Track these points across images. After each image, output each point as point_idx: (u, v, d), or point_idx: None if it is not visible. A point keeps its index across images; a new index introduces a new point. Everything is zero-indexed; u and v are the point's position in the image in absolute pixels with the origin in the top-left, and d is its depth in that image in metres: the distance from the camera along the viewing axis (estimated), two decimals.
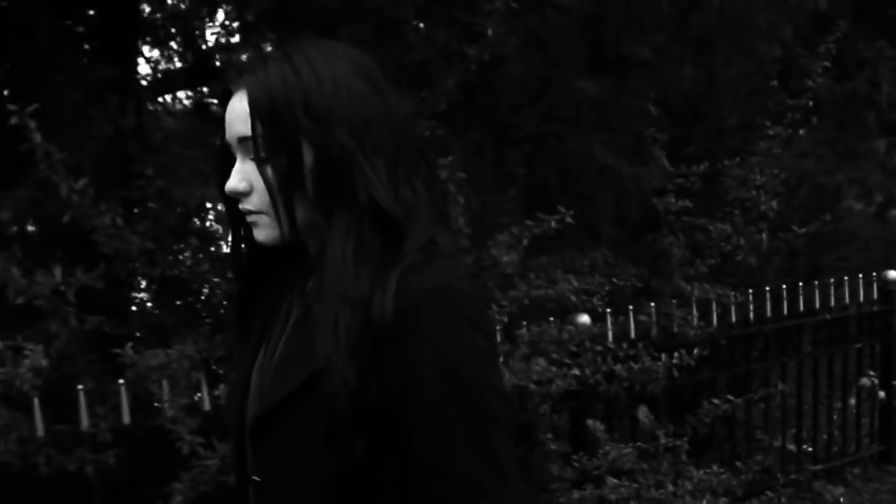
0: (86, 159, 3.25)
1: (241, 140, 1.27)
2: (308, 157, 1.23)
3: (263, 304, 1.43)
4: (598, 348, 4.01)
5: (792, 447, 5.24)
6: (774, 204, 4.92)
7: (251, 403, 1.36)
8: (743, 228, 4.81)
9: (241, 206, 1.31)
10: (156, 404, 3.07)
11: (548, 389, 3.49)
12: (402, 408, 1.18)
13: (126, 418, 3.05)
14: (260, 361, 1.38)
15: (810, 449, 5.39)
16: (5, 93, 4.02)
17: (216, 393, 3.07)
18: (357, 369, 1.17)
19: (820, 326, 5.40)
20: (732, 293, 4.86)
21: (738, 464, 4.54)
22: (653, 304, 4.51)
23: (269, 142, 1.23)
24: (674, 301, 4.60)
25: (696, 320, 4.57)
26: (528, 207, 4.10)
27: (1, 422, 2.88)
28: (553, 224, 3.58)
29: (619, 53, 4.06)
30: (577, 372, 3.61)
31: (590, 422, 3.90)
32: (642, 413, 4.28)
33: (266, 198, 1.26)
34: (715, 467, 4.23)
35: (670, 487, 4.13)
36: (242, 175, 1.28)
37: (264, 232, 1.30)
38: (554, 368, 3.55)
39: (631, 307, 4.40)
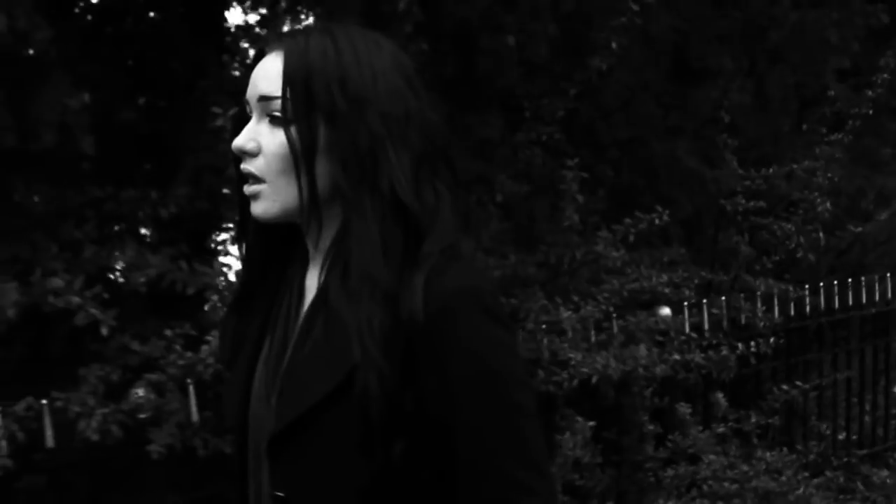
0: None
1: (263, 98, 1.24)
2: (335, 134, 1.21)
3: (262, 292, 1.37)
4: (682, 337, 4.34)
5: (842, 433, 5.60)
6: (829, 205, 5.27)
7: (256, 404, 1.31)
8: (802, 228, 5.15)
9: (243, 167, 1.26)
10: None
11: (652, 373, 3.81)
12: (438, 408, 1.17)
13: None
14: (265, 356, 1.33)
15: (855, 436, 5.76)
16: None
17: None
18: (392, 366, 1.15)
19: (866, 319, 5.77)
20: (791, 288, 5.20)
21: (798, 447, 4.89)
22: (723, 297, 4.86)
23: (297, 108, 1.21)
24: (741, 295, 4.93)
25: (762, 313, 4.91)
26: (616, 207, 4.41)
27: (171, 406, 3.12)
28: (656, 222, 3.91)
29: (703, 65, 4.37)
30: (677, 357, 3.93)
31: (680, 406, 4.22)
32: (719, 398, 4.60)
33: (273, 163, 1.23)
34: (786, 449, 4.57)
35: (744, 468, 4.47)
36: (253, 134, 1.25)
37: (262, 205, 1.26)
38: (654, 353, 3.88)
39: (705, 301, 4.73)
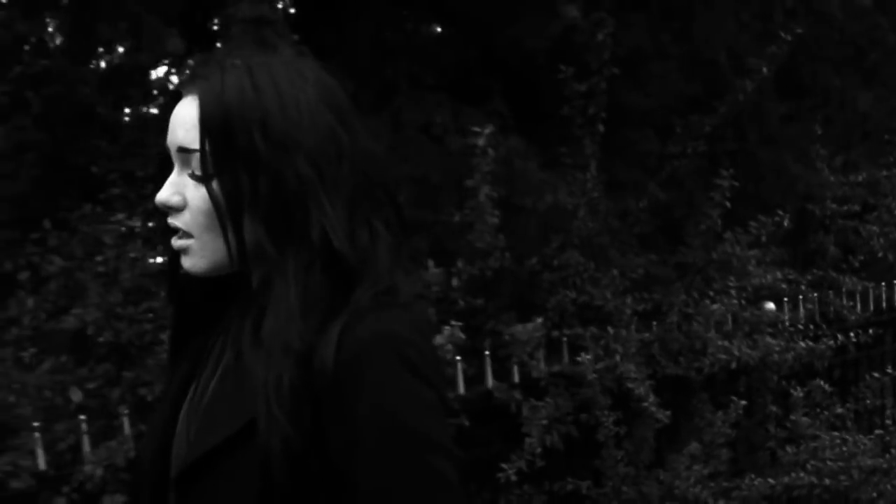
0: None
1: (182, 150, 1.17)
2: (260, 182, 1.13)
3: (195, 337, 1.32)
4: (792, 328, 4.82)
5: None
6: None
7: (177, 449, 1.26)
8: (882, 229, 5.65)
9: (169, 220, 1.20)
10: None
11: (784, 359, 4.27)
12: (344, 465, 1.09)
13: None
14: (188, 403, 1.28)
15: None
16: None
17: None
18: (298, 427, 1.08)
19: None
20: (871, 285, 5.70)
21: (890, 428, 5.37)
22: (815, 293, 5.34)
23: (217, 160, 1.14)
24: (831, 291, 5.42)
25: (851, 308, 5.40)
26: (729, 212, 4.86)
27: None
28: (784, 224, 4.38)
29: (814, 82, 4.83)
30: (804, 344, 4.39)
31: (794, 391, 4.68)
32: (818, 385, 5.07)
33: (199, 219, 1.17)
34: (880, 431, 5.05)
35: (844, 448, 4.94)
36: (176, 188, 1.19)
37: (191, 260, 1.20)
38: (782, 343, 4.34)
39: (801, 296, 5.21)
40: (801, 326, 4.88)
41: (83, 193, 3.56)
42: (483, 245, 3.53)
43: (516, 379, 3.89)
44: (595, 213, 3.81)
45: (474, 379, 3.75)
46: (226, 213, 1.14)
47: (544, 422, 3.70)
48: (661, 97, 3.97)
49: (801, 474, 4.64)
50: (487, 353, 3.75)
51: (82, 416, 2.90)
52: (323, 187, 1.13)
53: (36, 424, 2.78)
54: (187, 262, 1.21)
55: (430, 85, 3.80)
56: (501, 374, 3.81)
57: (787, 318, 4.92)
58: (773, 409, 4.54)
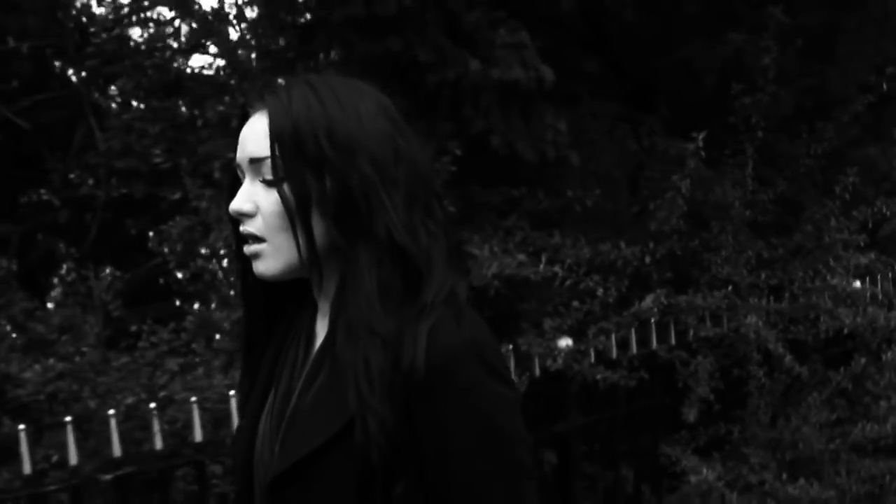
0: None
1: (253, 161, 1.25)
2: (328, 184, 1.20)
3: (270, 343, 1.39)
4: (885, 300, 5.68)
5: None
6: None
7: (261, 452, 1.32)
8: None
9: (242, 229, 1.27)
10: None
11: (887, 326, 5.12)
12: (436, 463, 1.17)
13: None
14: (270, 407, 1.33)
15: None
16: None
17: None
18: (393, 413, 1.15)
19: None
20: None
21: None
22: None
23: (287, 165, 1.21)
24: None
25: None
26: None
27: None
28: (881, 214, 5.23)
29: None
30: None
31: (884, 354, 5.55)
32: None
33: (271, 221, 1.24)
34: None
35: None
36: (249, 196, 1.25)
37: (264, 263, 1.26)
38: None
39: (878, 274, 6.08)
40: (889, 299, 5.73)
41: None
42: (667, 228, 4.33)
43: (673, 341, 4.70)
44: (750, 205, 4.62)
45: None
46: (296, 212, 1.21)
47: (706, 376, 4.52)
48: (786, 108, 4.76)
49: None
50: (654, 319, 4.54)
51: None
52: (384, 187, 1.20)
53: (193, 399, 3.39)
54: (261, 266, 1.26)
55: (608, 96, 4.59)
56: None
57: (879, 291, 5.77)
58: (872, 368, 5.38)
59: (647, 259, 4.32)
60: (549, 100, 4.05)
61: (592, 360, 4.36)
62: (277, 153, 1.21)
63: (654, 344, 4.64)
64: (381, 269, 1.19)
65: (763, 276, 4.93)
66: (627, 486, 4.75)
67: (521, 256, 3.98)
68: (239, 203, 1.26)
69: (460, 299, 1.22)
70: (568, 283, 4.06)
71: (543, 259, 4.14)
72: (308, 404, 1.25)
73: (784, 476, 4.58)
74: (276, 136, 1.22)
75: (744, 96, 4.37)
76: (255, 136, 1.24)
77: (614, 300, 4.33)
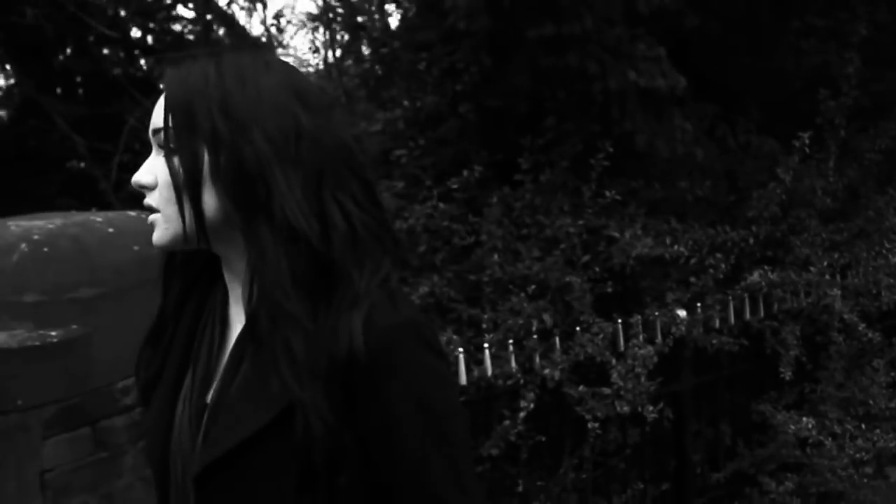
0: None
1: (155, 132, 1.23)
2: (221, 157, 1.18)
3: (180, 323, 1.36)
4: None
5: None
6: None
7: (179, 442, 1.27)
8: None
9: (144, 202, 1.26)
10: None
11: None
12: (380, 444, 1.18)
13: None
14: (187, 392, 1.29)
15: None
16: None
17: None
18: (329, 403, 1.14)
19: None
20: None
21: None
22: None
23: (178, 136, 1.19)
24: None
25: None
26: None
27: None
28: None
29: None
30: None
31: None
32: None
33: (165, 193, 1.22)
34: None
35: None
36: (149, 168, 1.24)
37: (156, 233, 1.25)
38: None
39: None
40: None
41: None
42: (766, 214, 5.03)
43: (762, 313, 5.39)
44: (831, 194, 5.33)
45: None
46: (183, 184, 1.18)
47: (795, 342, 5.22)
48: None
49: None
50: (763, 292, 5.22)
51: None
52: (280, 164, 1.16)
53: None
54: (154, 236, 1.25)
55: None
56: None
57: None
58: None
59: (751, 240, 5.00)
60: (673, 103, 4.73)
61: (701, 329, 5.05)
62: (170, 124, 1.20)
63: (748, 315, 5.34)
64: (287, 254, 1.16)
65: (836, 255, 5.64)
66: (726, 439, 5.43)
67: (648, 240, 4.65)
68: (139, 175, 1.25)
69: (393, 281, 1.20)
70: (693, 261, 4.73)
71: (668, 241, 4.81)
72: (234, 392, 1.22)
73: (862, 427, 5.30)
74: (169, 106, 1.20)
75: (829, 100, 5.08)
76: (158, 108, 1.23)
77: (724, 276, 5.01)
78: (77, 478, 2.90)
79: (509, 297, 4.42)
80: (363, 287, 1.16)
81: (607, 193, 4.53)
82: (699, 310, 5.03)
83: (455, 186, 4.58)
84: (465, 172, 4.56)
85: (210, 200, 1.20)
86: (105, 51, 8.67)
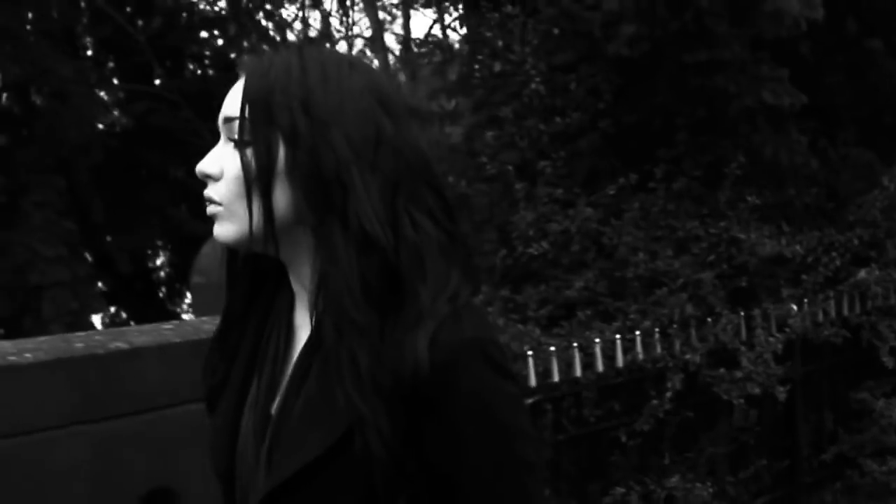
0: None
1: (226, 121, 1.18)
2: (298, 154, 1.13)
3: (247, 329, 1.30)
4: None
5: None
6: None
7: (244, 453, 1.24)
8: None
9: (205, 193, 1.20)
10: None
11: None
12: (444, 464, 1.13)
13: None
14: (252, 401, 1.25)
15: None
16: None
17: None
18: (391, 423, 1.10)
19: None
20: None
21: None
22: None
23: (255, 128, 1.14)
24: None
25: None
26: None
27: None
28: None
29: None
30: None
31: None
32: None
33: (232, 187, 1.16)
34: None
35: None
36: (215, 158, 1.19)
37: (222, 227, 1.19)
38: None
39: None
40: None
41: None
42: (869, 218, 5.59)
43: (857, 309, 5.93)
44: None
45: None
46: (254, 178, 1.13)
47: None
48: None
49: None
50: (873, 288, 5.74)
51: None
52: (359, 169, 1.12)
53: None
54: (217, 230, 1.20)
55: None
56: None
57: None
58: None
59: (856, 241, 5.55)
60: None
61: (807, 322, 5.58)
62: (246, 115, 1.15)
63: (846, 311, 5.87)
64: (360, 261, 1.11)
65: None
66: (829, 423, 5.95)
67: (773, 241, 5.20)
68: (204, 164, 1.20)
69: (462, 298, 1.15)
70: (810, 260, 5.28)
71: (783, 242, 5.36)
72: (298, 411, 1.18)
73: None
74: (247, 96, 1.16)
75: None
76: (232, 96, 1.19)
77: (831, 274, 5.56)
78: None
79: (653, 291, 4.96)
80: (428, 304, 1.11)
81: (748, 199, 5.08)
82: (806, 305, 5.58)
83: (612, 192, 5.14)
84: (621, 180, 5.13)
85: (281, 198, 1.15)
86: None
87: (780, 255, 5.22)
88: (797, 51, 5.45)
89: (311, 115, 1.13)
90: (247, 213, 1.15)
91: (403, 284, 1.12)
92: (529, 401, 4.42)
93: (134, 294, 10.07)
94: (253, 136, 1.14)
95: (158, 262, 11.20)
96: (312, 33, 12.97)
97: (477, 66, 5.60)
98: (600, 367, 4.62)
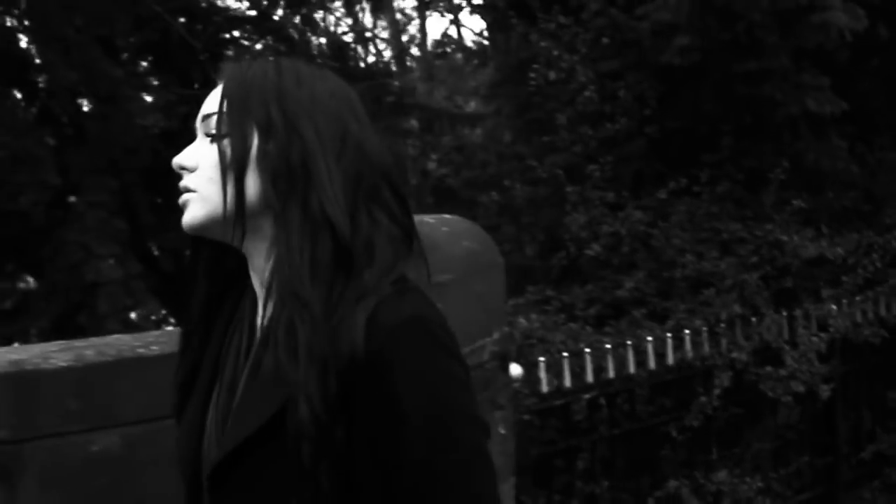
0: None
1: (205, 118, 1.26)
2: (270, 145, 1.21)
3: (211, 333, 1.34)
4: None
5: None
6: None
7: (208, 449, 1.27)
8: None
9: (180, 184, 1.27)
10: None
11: None
12: (384, 444, 1.14)
13: None
14: (215, 400, 1.29)
15: None
16: None
17: None
18: (322, 391, 1.11)
19: None
20: None
21: None
22: None
23: (232, 120, 1.22)
24: None
25: None
26: None
27: None
28: None
29: None
30: None
31: None
32: None
33: (208, 174, 1.23)
34: None
35: None
36: (192, 152, 1.27)
37: (189, 212, 1.25)
38: None
39: None
40: None
41: None
42: None
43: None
44: None
45: None
46: (230, 164, 1.20)
47: None
48: None
49: None
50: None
51: None
52: (324, 158, 1.19)
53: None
54: (186, 217, 1.26)
55: None
56: None
57: None
58: None
59: (894, 243, 5.71)
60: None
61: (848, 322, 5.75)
62: (224, 109, 1.23)
63: (883, 311, 6.03)
64: (313, 240, 1.16)
65: None
66: (867, 422, 6.11)
67: (817, 243, 5.37)
68: (180, 157, 1.27)
69: (408, 283, 1.19)
70: (851, 261, 5.44)
71: (824, 243, 5.53)
72: (251, 391, 1.22)
73: None
74: (226, 93, 1.24)
75: None
76: (211, 97, 1.27)
77: (870, 276, 5.72)
78: None
79: (700, 291, 5.13)
80: (371, 283, 1.15)
81: (794, 202, 5.25)
82: (845, 305, 5.74)
83: (663, 197, 5.33)
84: (672, 184, 5.31)
85: (252, 184, 1.21)
86: None
87: (820, 256, 5.38)
88: (834, 58, 5.62)
89: (284, 110, 1.22)
90: (220, 197, 1.21)
91: (352, 267, 1.16)
92: (586, 396, 4.62)
93: (173, 292, 10.29)
94: (230, 127, 1.22)
95: None
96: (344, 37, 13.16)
97: (532, 74, 5.79)
98: (652, 364, 4.81)
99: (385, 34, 15.83)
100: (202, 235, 1.28)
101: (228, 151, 1.21)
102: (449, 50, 16.63)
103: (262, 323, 1.25)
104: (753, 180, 5.44)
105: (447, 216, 4.27)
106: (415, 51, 15.76)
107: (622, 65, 5.59)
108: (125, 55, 9.72)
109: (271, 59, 1.29)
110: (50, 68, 7.85)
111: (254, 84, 1.23)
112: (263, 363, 1.20)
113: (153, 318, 9.64)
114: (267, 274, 1.20)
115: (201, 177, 1.24)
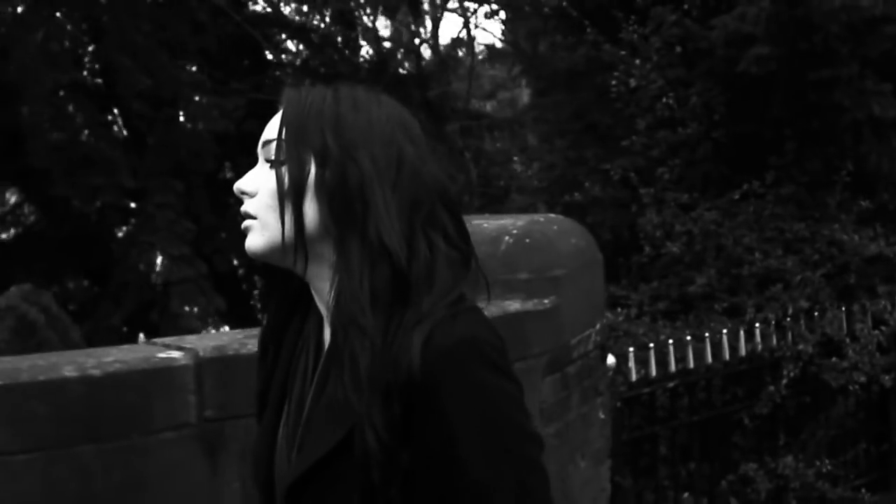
0: None
1: (265, 144, 1.29)
2: (327, 172, 1.23)
3: (281, 352, 1.39)
4: None
5: None
6: None
7: (279, 463, 1.32)
8: None
9: (241, 209, 1.30)
10: None
11: None
12: (441, 463, 1.16)
13: None
14: (285, 418, 1.34)
15: None
16: None
17: None
18: (386, 418, 1.15)
19: None
20: None
21: None
22: None
23: (289, 147, 1.24)
24: None
25: None
26: None
27: None
28: None
29: None
30: None
31: None
32: None
33: (267, 201, 1.25)
34: None
35: None
36: (253, 177, 1.29)
37: (250, 239, 1.28)
38: None
39: None
40: None
41: None
42: None
43: None
44: None
45: None
46: (287, 192, 1.23)
47: None
48: None
49: None
50: None
51: None
52: (380, 185, 1.21)
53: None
54: (248, 242, 1.28)
55: None
56: None
57: None
58: None
59: None
60: None
61: None
62: (283, 136, 1.25)
63: None
64: (372, 268, 1.19)
65: None
66: None
67: (879, 242, 5.69)
68: (242, 182, 1.30)
69: (465, 303, 1.21)
70: None
71: (882, 243, 5.84)
72: (319, 410, 1.26)
73: None
74: (285, 120, 1.26)
75: None
76: (272, 123, 1.30)
77: None
78: (555, 410, 3.92)
79: (767, 287, 5.45)
80: (428, 308, 1.17)
81: (862, 203, 5.57)
82: None
83: (737, 197, 5.65)
84: (745, 186, 5.63)
85: (310, 212, 1.23)
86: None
87: (880, 254, 5.68)
88: (891, 63, 5.91)
89: (340, 136, 1.23)
90: (279, 224, 1.23)
91: (410, 295, 1.19)
92: (670, 385, 4.93)
93: (226, 291, 10.61)
94: (288, 155, 1.24)
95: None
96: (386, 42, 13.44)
97: (614, 82, 6.09)
98: (727, 355, 5.12)
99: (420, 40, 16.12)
100: (264, 261, 1.32)
101: (286, 179, 1.23)
102: (462, 52, 16.85)
103: (326, 343, 1.30)
104: (816, 182, 5.75)
105: (552, 215, 4.58)
106: (459, 54, 16.03)
107: (691, 72, 5.89)
108: (194, 66, 9.94)
109: (329, 84, 1.31)
110: (122, 73, 8.13)
111: (311, 111, 1.25)
112: (327, 387, 1.25)
113: (210, 319, 9.92)
114: (329, 298, 1.23)
115: (261, 203, 1.27)
